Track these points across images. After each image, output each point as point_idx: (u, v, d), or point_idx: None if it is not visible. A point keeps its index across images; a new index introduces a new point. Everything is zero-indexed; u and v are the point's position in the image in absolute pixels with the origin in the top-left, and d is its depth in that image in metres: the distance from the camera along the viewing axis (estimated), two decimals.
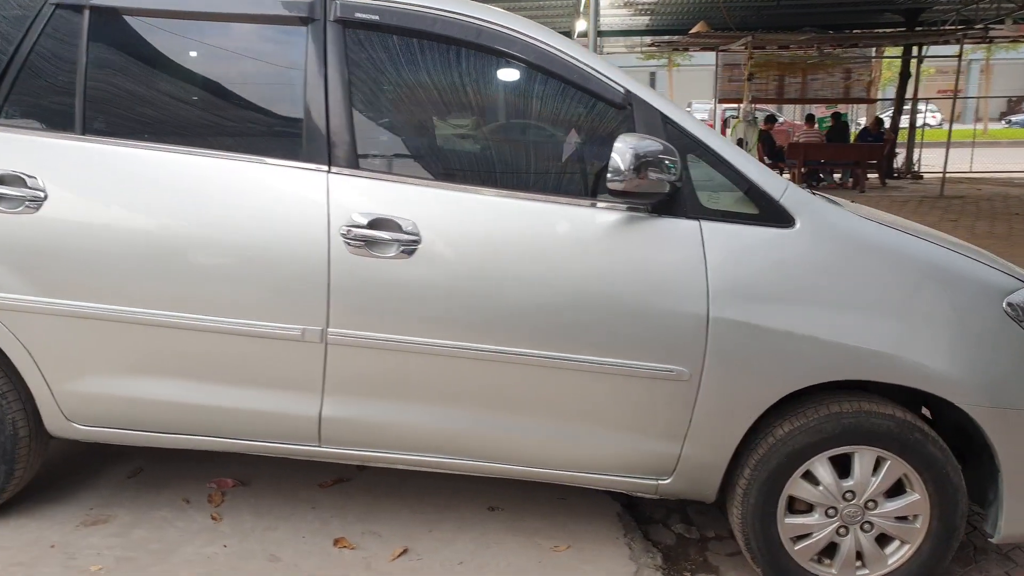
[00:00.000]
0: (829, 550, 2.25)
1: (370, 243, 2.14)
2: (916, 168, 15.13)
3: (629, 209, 2.13)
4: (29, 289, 2.21)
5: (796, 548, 2.24)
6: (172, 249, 2.18)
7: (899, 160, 14.99)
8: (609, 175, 1.97)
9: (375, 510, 2.63)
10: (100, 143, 2.22)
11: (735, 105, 15.63)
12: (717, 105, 16.26)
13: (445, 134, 2.28)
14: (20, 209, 2.18)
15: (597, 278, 2.13)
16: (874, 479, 2.18)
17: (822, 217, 2.16)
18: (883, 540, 2.24)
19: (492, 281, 2.14)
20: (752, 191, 2.15)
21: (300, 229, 2.16)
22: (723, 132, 15.58)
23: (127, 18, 2.27)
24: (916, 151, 15.12)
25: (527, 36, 2.21)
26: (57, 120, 2.24)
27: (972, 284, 2.14)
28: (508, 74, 2.26)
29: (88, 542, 2.38)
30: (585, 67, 2.19)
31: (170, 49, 2.31)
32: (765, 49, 13.46)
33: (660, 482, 2.27)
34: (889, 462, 2.16)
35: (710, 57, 15.19)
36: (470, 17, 2.21)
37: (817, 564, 2.26)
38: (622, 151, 1.95)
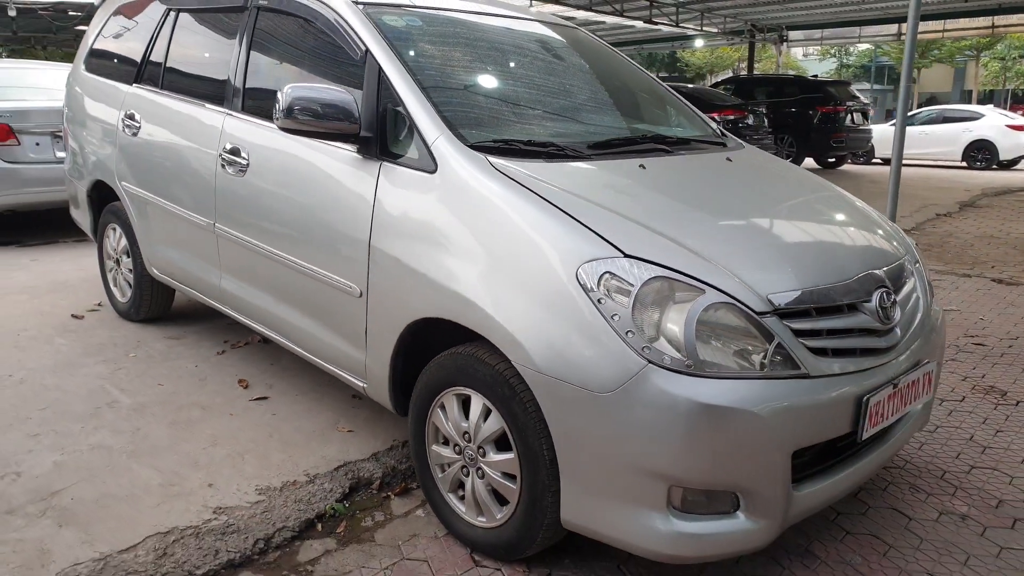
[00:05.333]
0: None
1: (228, 164, 3.03)
2: None
3: (341, 149, 2.57)
4: (134, 183, 3.71)
5: (440, 476, 2.40)
6: (174, 161, 3.41)
7: None
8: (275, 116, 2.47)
9: (299, 375, 3.50)
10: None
11: None
12: None
13: (271, 83, 3.00)
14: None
15: (322, 204, 2.63)
16: (482, 425, 2.21)
17: (457, 166, 2.25)
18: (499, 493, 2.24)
19: (278, 199, 2.82)
20: (417, 137, 2.37)
21: (209, 152, 3.17)
22: None
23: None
24: None
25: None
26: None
27: (555, 246, 2.00)
28: (299, 36, 2.86)
29: (153, 345, 3.83)
30: (344, 25, 2.67)
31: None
32: None
33: (364, 385, 2.65)
34: (492, 412, 2.18)
35: None
36: None
37: (455, 498, 2.38)
38: (281, 97, 2.43)
